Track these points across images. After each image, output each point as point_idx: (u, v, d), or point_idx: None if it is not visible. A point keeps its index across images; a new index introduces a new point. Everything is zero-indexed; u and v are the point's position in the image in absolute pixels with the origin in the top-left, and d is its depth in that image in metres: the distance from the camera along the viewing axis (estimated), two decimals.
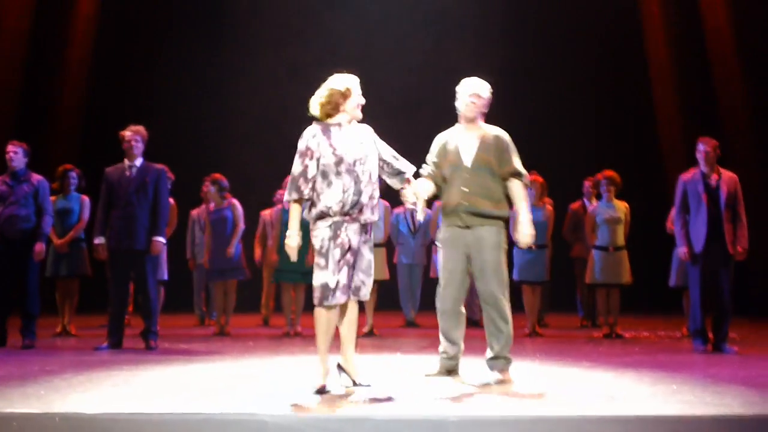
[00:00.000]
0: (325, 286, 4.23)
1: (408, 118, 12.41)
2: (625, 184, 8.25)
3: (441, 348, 4.85)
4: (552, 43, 12.80)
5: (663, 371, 5.14)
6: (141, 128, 6.86)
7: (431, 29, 13.13)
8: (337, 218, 4.26)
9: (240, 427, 3.39)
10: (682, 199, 6.68)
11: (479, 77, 4.92)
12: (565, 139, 12.45)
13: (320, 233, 4.28)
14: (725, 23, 11.29)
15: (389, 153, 4.56)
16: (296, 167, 4.34)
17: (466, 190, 4.67)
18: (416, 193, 4.58)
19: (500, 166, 4.74)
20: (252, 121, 13.11)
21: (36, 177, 7.01)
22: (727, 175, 6.61)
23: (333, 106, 4.43)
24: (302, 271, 7.76)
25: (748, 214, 6.62)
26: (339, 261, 4.23)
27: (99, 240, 6.72)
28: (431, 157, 4.92)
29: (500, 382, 4.61)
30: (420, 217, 4.69)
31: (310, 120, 4.51)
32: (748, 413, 3.64)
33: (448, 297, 4.75)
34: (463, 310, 4.84)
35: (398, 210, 9.14)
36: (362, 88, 4.53)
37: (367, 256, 4.38)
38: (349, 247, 4.27)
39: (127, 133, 6.80)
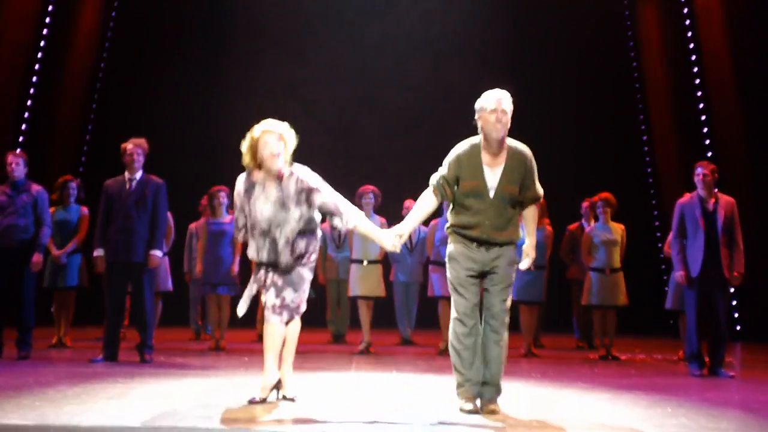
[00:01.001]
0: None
1: (407, 137, 12.47)
2: (620, 205, 8.28)
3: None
4: (550, 63, 12.90)
5: (659, 394, 5.14)
6: (143, 141, 6.88)
7: (430, 48, 13.21)
8: (263, 265, 4.49)
9: None
10: (679, 223, 6.71)
11: (476, 98, 4.44)
12: (562, 160, 12.49)
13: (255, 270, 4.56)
14: (722, 46, 11.37)
15: (332, 209, 4.46)
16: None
17: (487, 222, 4.33)
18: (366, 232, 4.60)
19: (522, 191, 4.39)
20: None
21: (35, 187, 7.02)
22: (725, 199, 6.64)
23: (253, 156, 4.41)
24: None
25: (744, 239, 6.64)
26: (257, 290, 4.51)
27: (98, 252, 6.72)
28: (446, 172, 4.40)
29: (490, 411, 4.26)
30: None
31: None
32: None
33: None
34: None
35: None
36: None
37: (304, 275, 4.50)
38: (265, 282, 4.47)
39: (128, 146, 6.81)
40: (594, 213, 8.65)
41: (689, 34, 12.04)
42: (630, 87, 12.94)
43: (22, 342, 6.76)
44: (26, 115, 11.36)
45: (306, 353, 7.27)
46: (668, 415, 4.28)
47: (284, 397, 4.56)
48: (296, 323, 4.59)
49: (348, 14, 13.26)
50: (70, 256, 8.00)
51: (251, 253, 4.48)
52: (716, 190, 6.68)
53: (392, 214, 8.53)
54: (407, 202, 8.86)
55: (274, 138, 4.36)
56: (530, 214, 4.51)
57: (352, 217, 4.48)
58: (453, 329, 4.37)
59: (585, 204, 9.25)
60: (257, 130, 4.39)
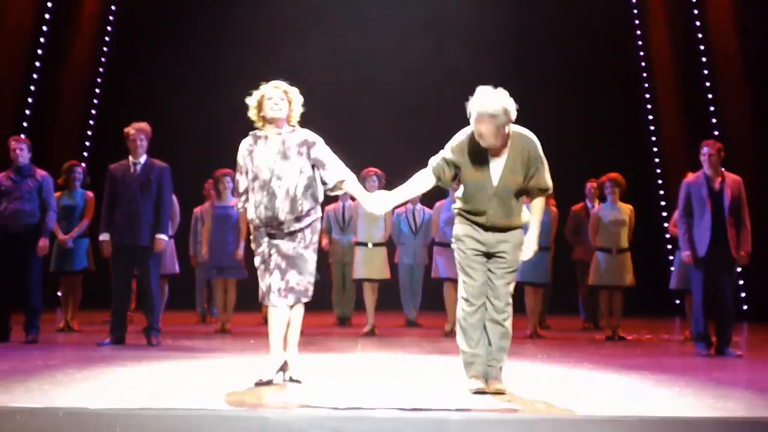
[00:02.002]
0: (263, 289, 4.51)
1: (409, 120, 12.41)
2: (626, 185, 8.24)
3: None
4: (553, 43, 12.80)
5: (666, 374, 5.14)
6: (145, 126, 6.88)
7: (432, 31, 13.12)
8: (261, 228, 4.48)
9: (241, 423, 3.40)
10: (685, 202, 6.67)
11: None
12: (566, 140, 12.40)
13: (254, 242, 4.55)
14: (729, 25, 11.29)
15: (324, 161, 4.50)
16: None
17: (491, 212, 4.26)
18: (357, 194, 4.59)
19: (527, 180, 4.26)
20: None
21: (40, 172, 7.03)
22: (731, 178, 6.60)
23: (258, 111, 4.59)
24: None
25: (750, 218, 6.61)
26: (260, 267, 4.51)
27: (104, 237, 6.76)
28: (448, 155, 4.29)
29: (496, 390, 4.23)
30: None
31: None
32: (751, 416, 3.64)
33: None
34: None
35: (399, 210, 9.12)
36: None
37: (307, 257, 4.49)
38: (270, 255, 4.45)
39: (131, 131, 6.81)
40: (600, 193, 8.61)
41: (695, 12, 11.95)
42: (636, 66, 12.84)
43: (30, 325, 6.80)
44: (30, 100, 11.36)
45: (311, 336, 7.28)
46: (675, 394, 4.28)
47: (291, 379, 4.57)
48: (299, 305, 4.59)
49: None
50: (77, 240, 8.02)
51: (250, 213, 4.50)
52: (723, 168, 6.65)
53: None
54: None
55: (278, 93, 4.58)
56: (536, 204, 4.36)
57: (340, 173, 4.51)
58: (460, 307, 4.37)
59: (589, 185, 9.20)
60: (259, 92, 4.61)
